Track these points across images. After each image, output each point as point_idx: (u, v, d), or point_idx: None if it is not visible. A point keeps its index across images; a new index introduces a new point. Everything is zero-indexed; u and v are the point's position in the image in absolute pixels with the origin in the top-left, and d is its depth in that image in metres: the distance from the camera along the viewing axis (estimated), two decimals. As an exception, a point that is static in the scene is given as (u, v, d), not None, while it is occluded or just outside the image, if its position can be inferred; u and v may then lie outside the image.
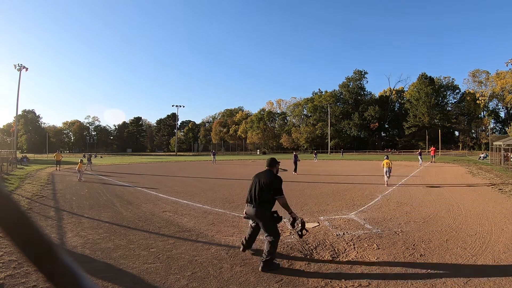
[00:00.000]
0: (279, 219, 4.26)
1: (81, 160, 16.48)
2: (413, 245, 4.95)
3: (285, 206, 4.29)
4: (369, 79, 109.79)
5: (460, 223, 6.32)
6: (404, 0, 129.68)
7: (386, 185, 12.31)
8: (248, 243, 4.65)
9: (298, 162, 19.20)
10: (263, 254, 4.10)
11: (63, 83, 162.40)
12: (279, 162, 4.78)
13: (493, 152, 28.27)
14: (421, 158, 25.96)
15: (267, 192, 4.25)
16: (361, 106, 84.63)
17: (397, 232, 5.67)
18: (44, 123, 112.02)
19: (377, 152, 71.42)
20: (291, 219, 4.31)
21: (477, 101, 69.15)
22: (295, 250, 4.76)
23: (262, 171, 4.61)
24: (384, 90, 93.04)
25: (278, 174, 4.55)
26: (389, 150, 73.52)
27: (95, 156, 55.46)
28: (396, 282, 3.63)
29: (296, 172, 18.11)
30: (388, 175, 12.53)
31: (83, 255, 4.61)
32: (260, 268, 4.05)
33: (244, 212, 4.54)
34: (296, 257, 4.50)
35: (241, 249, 4.72)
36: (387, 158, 13.11)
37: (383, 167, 12.72)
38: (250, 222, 4.61)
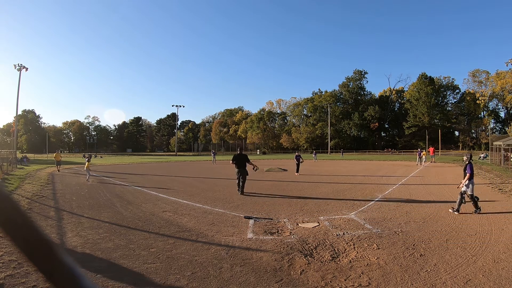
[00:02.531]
0: (247, 173, 10.62)
1: (88, 159, 15.96)
2: (413, 245, 4.95)
3: (250, 163, 10.71)
4: (369, 79, 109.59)
5: (460, 223, 6.32)
6: (404, 0, 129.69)
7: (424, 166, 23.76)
8: (239, 188, 10.42)
9: (301, 163, 18.55)
10: (242, 188, 10.35)
11: (63, 83, 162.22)
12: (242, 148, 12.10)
13: (493, 152, 28.27)
14: (420, 157, 26.23)
15: (245, 161, 10.54)
16: (361, 106, 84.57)
17: (397, 232, 5.67)
18: (44, 123, 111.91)
19: (377, 152, 71.43)
20: (254, 166, 10.87)
21: (477, 101, 69.05)
22: (295, 250, 4.76)
23: (237, 153, 10.69)
24: (384, 90, 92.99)
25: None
26: (389, 150, 73.52)
27: (95, 156, 55.49)
28: (396, 282, 3.64)
29: (298, 173, 17.71)
30: (429, 161, 24.29)
31: (83, 255, 4.61)
32: (240, 193, 10.22)
33: (236, 172, 10.47)
34: (296, 257, 4.50)
35: (239, 192, 10.34)
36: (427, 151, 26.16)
37: (423, 156, 26.15)
38: (236, 178, 10.56)
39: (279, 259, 4.40)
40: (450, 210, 7.42)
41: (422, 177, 16.19)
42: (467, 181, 7.35)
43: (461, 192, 7.33)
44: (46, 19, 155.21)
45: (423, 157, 26.31)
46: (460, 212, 7.19)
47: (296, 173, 17.71)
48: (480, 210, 7.21)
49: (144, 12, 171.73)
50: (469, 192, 7.31)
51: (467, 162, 7.60)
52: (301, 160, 18.61)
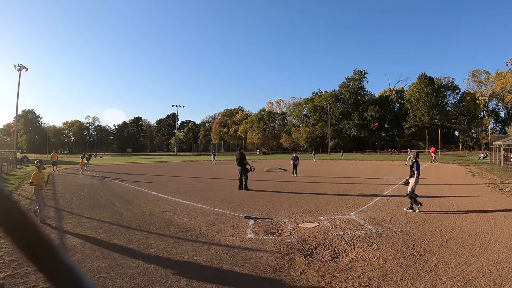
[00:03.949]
0: (247, 170, 11.44)
1: (86, 159, 20.00)
2: (413, 245, 4.95)
3: (246, 163, 11.47)
4: (369, 79, 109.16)
5: (460, 223, 6.32)
6: (405, 3, 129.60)
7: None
8: (240, 185, 11.33)
9: (297, 164, 17.22)
10: (245, 183, 11.23)
11: (62, 83, 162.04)
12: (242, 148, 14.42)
13: (493, 152, 28.27)
14: (409, 158, 26.40)
15: (243, 159, 11.43)
16: (361, 106, 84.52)
17: (397, 232, 5.68)
18: (44, 123, 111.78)
19: (377, 152, 71.40)
20: (250, 167, 11.59)
21: (477, 101, 69.01)
22: (295, 250, 4.76)
23: (238, 153, 11.85)
24: (384, 90, 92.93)
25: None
26: (389, 150, 73.52)
27: (95, 156, 55.52)
28: (396, 282, 3.64)
29: (295, 175, 16.70)
30: (429, 161, 26.27)
31: (83, 255, 4.61)
32: (243, 189, 11.11)
33: (238, 171, 11.52)
34: (296, 257, 4.50)
35: (238, 188, 11.31)
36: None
37: (433, 156, 28.39)
38: (238, 175, 11.56)
39: (279, 259, 4.40)
40: (405, 209, 7.53)
41: (421, 177, 16.18)
42: (416, 179, 7.54)
43: (409, 191, 7.51)
44: (46, 19, 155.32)
45: (433, 156, 28.62)
46: (419, 210, 7.38)
47: (292, 175, 16.70)
48: (415, 210, 7.36)
49: (144, 11, 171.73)
50: (409, 189, 7.47)
51: (413, 160, 7.78)
52: (297, 161, 17.33)
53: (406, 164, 24.87)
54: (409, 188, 7.53)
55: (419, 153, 8.34)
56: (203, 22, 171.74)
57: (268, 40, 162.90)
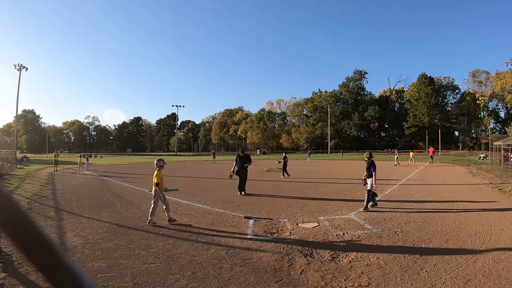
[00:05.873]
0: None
1: (84, 157, 22.30)
2: (413, 245, 4.95)
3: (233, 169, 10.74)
4: (369, 79, 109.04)
5: (460, 223, 6.32)
6: (404, 1, 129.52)
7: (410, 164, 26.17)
8: (242, 189, 10.33)
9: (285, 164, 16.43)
10: (239, 187, 10.36)
11: (62, 83, 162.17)
12: (241, 149, 11.53)
13: (493, 152, 28.26)
14: (396, 158, 26.76)
15: (246, 162, 10.56)
16: (361, 106, 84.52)
17: (397, 232, 5.67)
18: (44, 123, 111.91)
19: (377, 152, 71.38)
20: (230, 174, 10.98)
21: (477, 101, 69.02)
22: (294, 250, 4.76)
23: (241, 155, 10.63)
24: (384, 90, 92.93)
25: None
26: (389, 150, 73.50)
27: (95, 156, 55.59)
28: (396, 282, 3.64)
29: (284, 176, 15.83)
30: (413, 162, 26.87)
31: (83, 255, 4.61)
32: (243, 194, 10.12)
33: (234, 171, 10.61)
34: (296, 257, 4.50)
35: (238, 194, 10.18)
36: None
37: (411, 156, 28.13)
38: (237, 178, 10.49)
39: (279, 259, 4.40)
40: (361, 209, 7.75)
41: (421, 177, 16.19)
42: (374, 179, 7.78)
43: (368, 190, 7.73)
44: (46, 18, 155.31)
45: (413, 157, 29.15)
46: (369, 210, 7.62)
47: (282, 177, 15.84)
48: (376, 205, 7.89)
49: (145, 13, 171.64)
50: (369, 188, 7.74)
51: (369, 161, 7.96)
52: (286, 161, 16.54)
53: (395, 165, 24.86)
54: (368, 187, 7.78)
55: (372, 153, 8.46)
56: (204, 22, 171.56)
57: (268, 40, 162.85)
